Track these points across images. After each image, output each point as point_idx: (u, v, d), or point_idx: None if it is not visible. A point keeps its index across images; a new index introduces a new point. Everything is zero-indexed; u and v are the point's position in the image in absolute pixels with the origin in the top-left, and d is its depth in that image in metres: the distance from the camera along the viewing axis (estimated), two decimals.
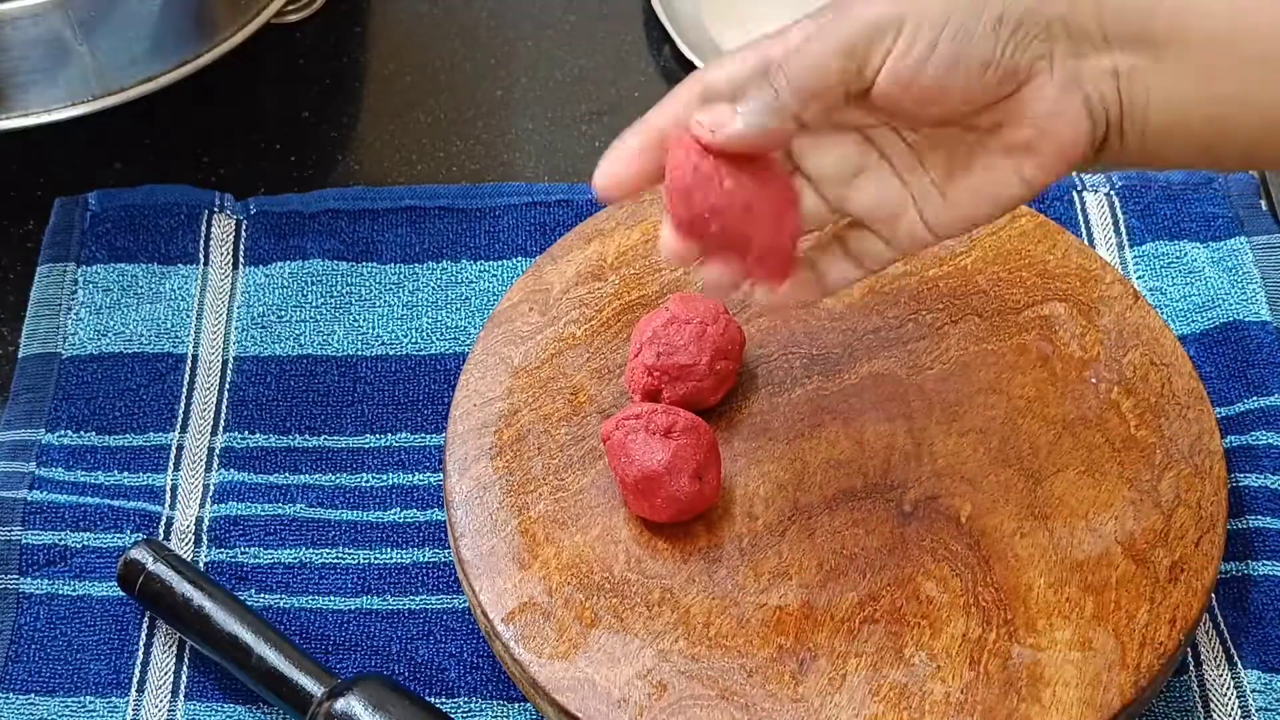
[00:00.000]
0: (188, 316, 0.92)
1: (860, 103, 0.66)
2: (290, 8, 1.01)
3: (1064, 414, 0.81)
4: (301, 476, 0.86)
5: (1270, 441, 0.84)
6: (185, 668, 0.80)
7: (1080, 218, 0.94)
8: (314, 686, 0.76)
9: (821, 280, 0.72)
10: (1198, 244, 0.93)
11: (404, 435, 0.87)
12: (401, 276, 0.93)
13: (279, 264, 0.93)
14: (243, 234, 0.95)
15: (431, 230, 0.95)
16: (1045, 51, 0.65)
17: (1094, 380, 0.82)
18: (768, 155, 0.68)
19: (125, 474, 0.86)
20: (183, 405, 0.88)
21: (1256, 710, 0.77)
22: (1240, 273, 0.91)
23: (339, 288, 0.93)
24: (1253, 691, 0.78)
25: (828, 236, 0.72)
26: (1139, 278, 0.92)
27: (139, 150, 1.01)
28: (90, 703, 0.79)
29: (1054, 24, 0.65)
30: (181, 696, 0.79)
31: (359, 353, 0.90)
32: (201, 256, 0.94)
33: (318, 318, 0.92)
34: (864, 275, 0.72)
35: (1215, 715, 0.78)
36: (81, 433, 0.87)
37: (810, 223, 0.71)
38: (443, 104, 1.03)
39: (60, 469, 0.86)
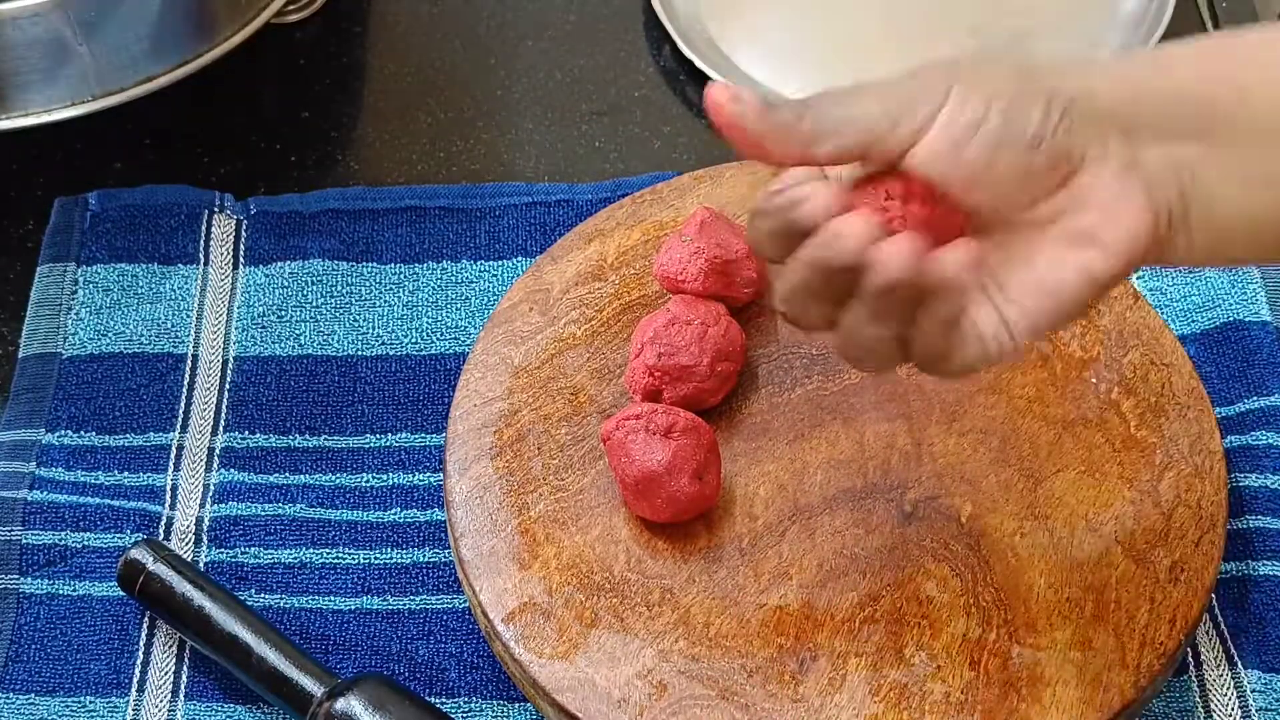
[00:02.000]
0: (188, 316, 0.92)
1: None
2: (290, 8, 1.01)
3: (1064, 414, 0.81)
4: (302, 476, 0.86)
5: (1270, 441, 0.84)
6: (185, 668, 0.80)
7: None
8: (314, 686, 0.76)
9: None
10: None
11: (404, 435, 0.87)
12: (401, 276, 0.93)
13: (279, 264, 0.93)
14: (243, 234, 0.95)
15: (431, 230, 0.95)
16: (1099, 135, 0.62)
17: (1094, 380, 0.82)
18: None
19: (125, 474, 0.86)
20: (183, 405, 0.88)
21: (1257, 710, 0.77)
22: (1240, 272, 0.91)
23: (339, 288, 0.93)
24: (1253, 692, 0.78)
25: None
26: (1139, 278, 0.91)
27: (139, 150, 1.01)
28: (90, 703, 0.79)
29: (1106, 109, 0.62)
30: (181, 696, 0.79)
31: (359, 353, 0.90)
32: (201, 256, 0.94)
33: (318, 318, 0.91)
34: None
35: (1215, 715, 0.78)
36: (81, 433, 0.87)
37: None
38: (443, 104, 1.03)
39: (60, 469, 0.86)
